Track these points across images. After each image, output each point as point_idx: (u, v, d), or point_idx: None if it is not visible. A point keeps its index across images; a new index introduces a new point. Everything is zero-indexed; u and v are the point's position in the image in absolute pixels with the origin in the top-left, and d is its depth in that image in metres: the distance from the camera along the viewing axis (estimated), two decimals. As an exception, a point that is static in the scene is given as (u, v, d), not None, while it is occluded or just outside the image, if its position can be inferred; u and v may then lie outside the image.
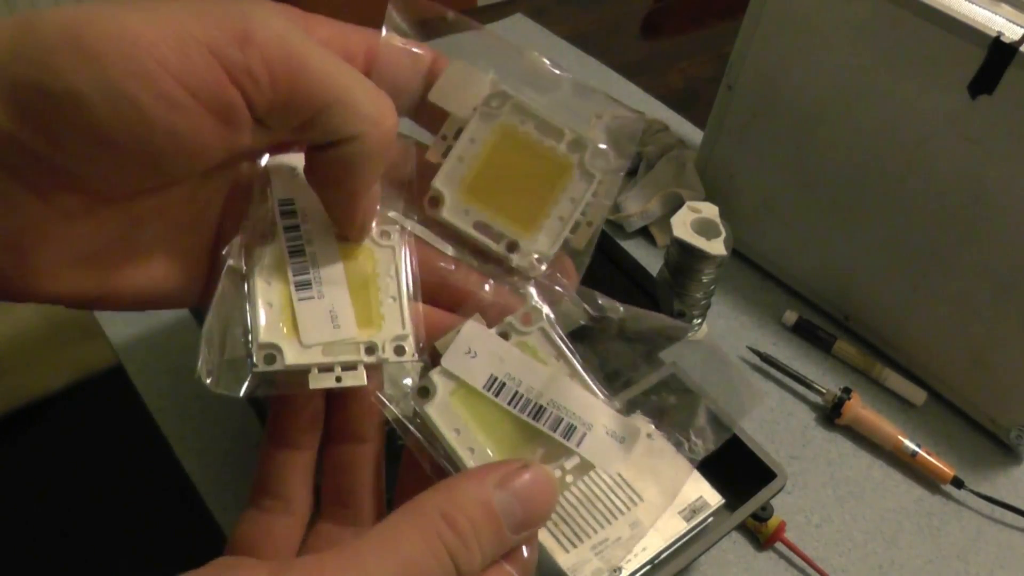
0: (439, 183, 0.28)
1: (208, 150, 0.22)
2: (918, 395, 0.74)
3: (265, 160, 0.27)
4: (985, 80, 0.60)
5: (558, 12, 1.23)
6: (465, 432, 0.27)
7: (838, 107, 0.70)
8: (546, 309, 0.28)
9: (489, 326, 0.27)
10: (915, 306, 0.73)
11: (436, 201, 0.28)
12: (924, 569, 0.64)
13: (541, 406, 0.27)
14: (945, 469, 0.68)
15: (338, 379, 0.26)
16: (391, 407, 0.27)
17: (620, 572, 0.50)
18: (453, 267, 0.28)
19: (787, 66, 0.72)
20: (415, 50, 0.27)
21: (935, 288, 0.70)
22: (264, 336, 0.25)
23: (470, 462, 0.26)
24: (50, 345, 1.35)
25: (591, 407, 0.28)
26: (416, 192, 0.28)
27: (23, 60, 0.20)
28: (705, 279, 0.69)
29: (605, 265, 0.63)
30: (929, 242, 0.69)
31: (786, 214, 0.79)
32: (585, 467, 0.27)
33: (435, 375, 0.27)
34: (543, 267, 0.28)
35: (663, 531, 0.52)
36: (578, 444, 0.27)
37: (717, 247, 0.66)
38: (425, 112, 0.28)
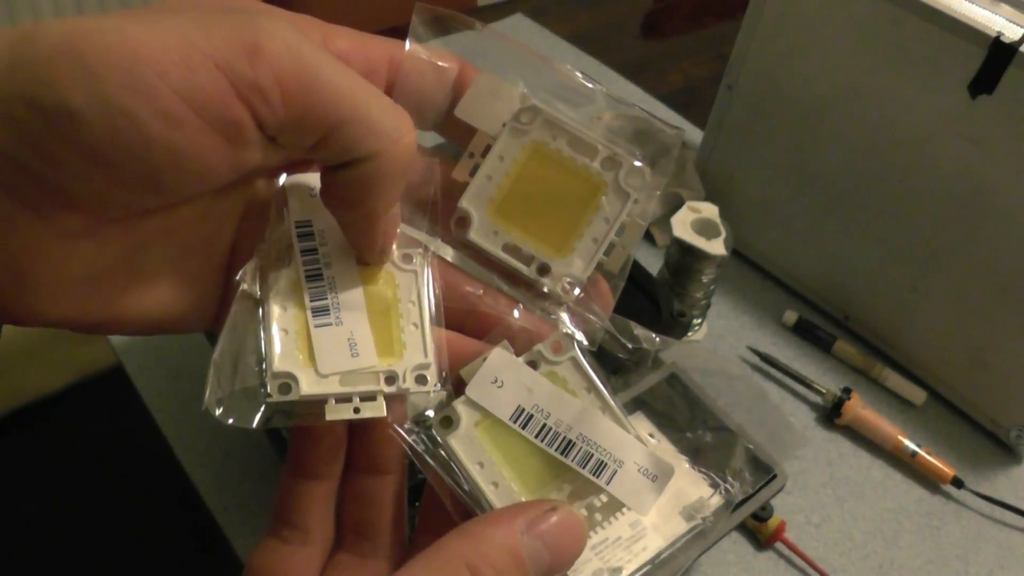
0: (466, 203, 0.26)
1: (212, 170, 0.21)
2: (918, 395, 0.74)
3: (283, 179, 0.26)
4: (985, 80, 0.60)
5: (558, 12, 1.23)
6: (489, 466, 0.26)
7: (838, 107, 0.70)
8: (579, 335, 0.27)
9: (518, 354, 0.26)
10: (915, 306, 0.73)
11: (463, 222, 0.26)
12: (924, 569, 0.64)
13: (570, 440, 0.26)
14: (945, 469, 0.68)
15: (356, 410, 0.24)
16: (409, 439, 0.26)
17: (620, 572, 0.50)
18: (481, 292, 0.27)
19: (787, 66, 0.72)
20: (440, 62, 0.26)
21: (935, 288, 0.70)
22: (279, 365, 0.24)
23: (493, 497, 0.25)
24: (50, 345, 1.35)
25: (623, 443, 0.26)
26: (441, 212, 0.26)
27: (19, 73, 0.19)
28: (705, 279, 0.69)
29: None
30: (929, 242, 0.69)
31: (786, 214, 0.79)
32: (615, 506, 0.26)
33: (459, 405, 0.26)
34: (576, 291, 0.26)
35: (663, 531, 0.52)
36: (608, 482, 0.26)
37: (717, 247, 0.66)
38: (452, 127, 0.26)
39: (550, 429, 0.26)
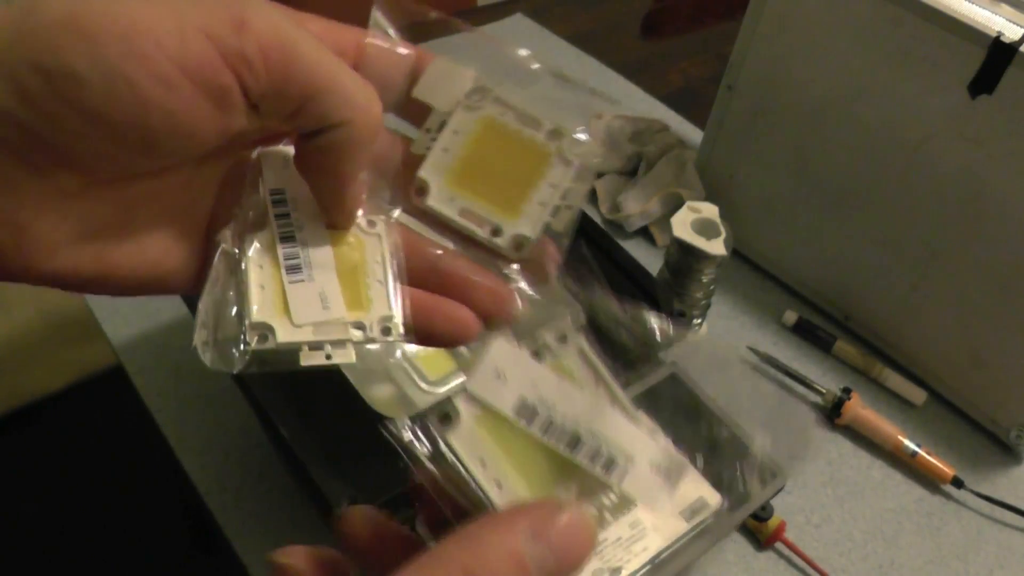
0: (425, 172, 0.28)
1: (202, 132, 0.23)
2: (918, 395, 0.74)
3: (257, 151, 0.28)
4: (985, 80, 0.60)
5: (558, 12, 1.23)
6: (492, 464, 0.25)
7: (838, 107, 0.70)
8: (582, 316, 0.28)
9: (482, 308, 0.27)
10: (915, 306, 0.73)
11: (422, 190, 0.28)
12: (924, 569, 0.64)
13: (578, 436, 0.26)
14: (945, 469, 0.68)
15: (328, 356, 0.26)
16: (404, 439, 0.25)
17: (620, 572, 0.50)
18: (440, 252, 0.29)
19: (787, 66, 0.72)
20: (399, 49, 0.28)
21: (935, 288, 0.70)
22: (257, 316, 0.26)
23: (496, 498, 0.25)
24: (50, 345, 1.35)
25: (634, 438, 0.26)
26: (402, 183, 0.29)
27: (24, 42, 0.21)
28: (705, 279, 0.69)
29: (605, 265, 0.63)
30: (929, 242, 0.69)
31: (786, 214, 0.79)
32: (626, 505, 0.26)
33: (459, 400, 0.26)
34: (526, 249, 0.28)
35: (663, 531, 0.52)
36: (620, 480, 0.25)
37: (717, 247, 0.66)
38: (410, 108, 0.29)
39: (556, 424, 0.26)
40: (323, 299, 0.27)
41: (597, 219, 0.85)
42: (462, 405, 0.26)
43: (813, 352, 0.77)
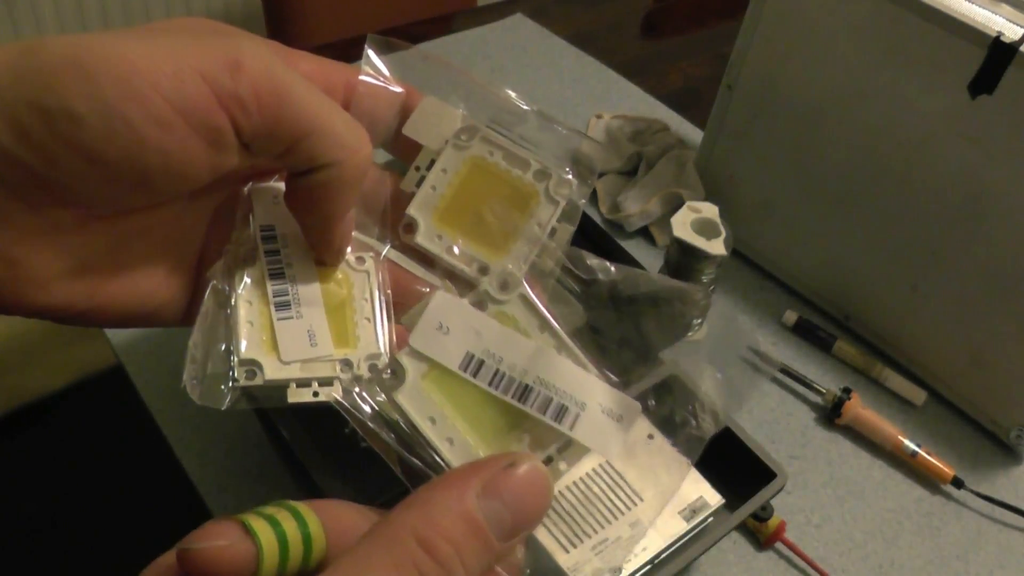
0: (413, 210, 0.29)
1: (195, 170, 0.24)
2: (918, 395, 0.74)
3: (248, 187, 0.29)
4: (985, 80, 0.60)
5: (558, 12, 1.23)
6: (442, 420, 0.25)
7: (838, 107, 0.70)
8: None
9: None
10: (915, 306, 0.73)
11: (410, 227, 0.29)
12: (924, 569, 0.64)
13: (527, 385, 0.26)
14: (945, 469, 0.68)
15: (315, 394, 0.26)
16: (348, 404, 0.26)
17: (620, 572, 0.50)
18: (428, 290, 0.29)
19: (787, 66, 0.72)
20: (390, 87, 0.29)
21: (935, 288, 0.70)
22: (246, 353, 0.26)
23: (449, 455, 0.25)
24: (50, 345, 1.35)
25: (583, 383, 0.26)
26: (391, 220, 0.29)
27: (24, 81, 0.21)
28: (705, 279, 0.69)
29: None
30: (929, 242, 0.69)
31: (786, 214, 0.79)
32: (579, 452, 0.26)
33: (403, 356, 0.26)
34: (512, 288, 0.28)
35: (663, 531, 0.52)
36: (571, 427, 0.25)
37: (717, 247, 0.66)
38: (400, 145, 0.29)
39: (504, 375, 0.26)
40: (311, 336, 0.27)
41: (597, 219, 0.86)
42: (406, 361, 0.26)
43: (813, 352, 0.77)
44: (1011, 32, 0.58)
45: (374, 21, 1.28)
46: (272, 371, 0.26)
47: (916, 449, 0.68)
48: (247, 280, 0.27)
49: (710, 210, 0.68)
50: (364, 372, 0.27)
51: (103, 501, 1.31)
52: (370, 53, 0.29)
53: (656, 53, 1.25)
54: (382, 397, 0.26)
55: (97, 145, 0.22)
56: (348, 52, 0.41)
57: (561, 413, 0.26)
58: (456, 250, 0.29)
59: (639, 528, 0.51)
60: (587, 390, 0.26)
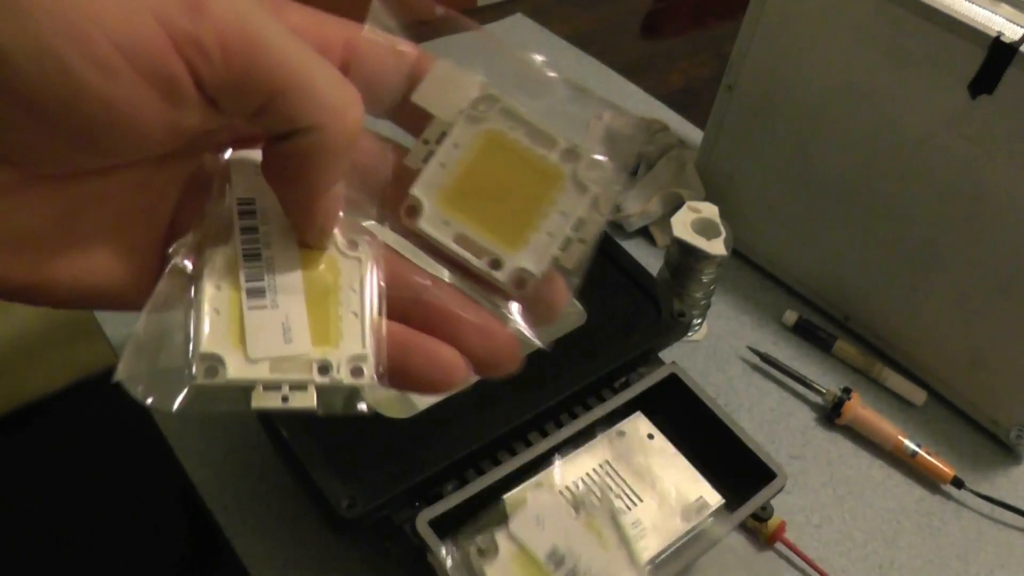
0: (418, 190, 0.25)
1: (148, 127, 0.20)
2: (918, 395, 0.74)
3: (229, 154, 0.25)
4: (985, 80, 0.60)
5: (558, 12, 1.23)
6: None
7: (838, 107, 0.70)
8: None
9: (470, 350, 0.24)
10: (915, 306, 0.73)
11: (414, 210, 0.25)
12: (924, 569, 0.64)
13: None
14: (945, 469, 0.68)
15: (285, 399, 0.23)
16: (446, 560, 0.27)
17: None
18: (429, 283, 0.25)
19: (787, 66, 0.72)
20: (399, 47, 0.25)
21: (935, 288, 0.70)
22: (207, 346, 0.22)
23: None
24: (50, 345, 1.35)
25: None
26: (392, 199, 0.25)
27: None
28: (705, 279, 0.69)
29: (605, 265, 0.63)
30: (929, 242, 0.69)
31: (786, 214, 0.79)
32: None
33: (500, 537, 0.28)
34: (528, 287, 0.25)
35: (663, 531, 0.52)
36: None
37: (717, 247, 0.66)
38: (407, 115, 0.25)
39: (578, 574, 0.28)
40: (286, 330, 0.23)
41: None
42: (502, 542, 0.28)
43: (813, 352, 0.77)
44: (1011, 32, 0.58)
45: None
46: (236, 369, 0.22)
47: (916, 449, 0.68)
48: (217, 260, 0.23)
49: (710, 210, 0.68)
50: (345, 376, 0.23)
51: (103, 501, 1.31)
52: (378, 8, 0.25)
53: (656, 53, 1.25)
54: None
55: (28, 89, 0.18)
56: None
57: None
58: (466, 239, 0.25)
59: (639, 528, 0.51)
60: None
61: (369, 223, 0.25)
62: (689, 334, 0.76)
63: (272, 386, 0.23)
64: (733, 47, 0.75)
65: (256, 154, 0.24)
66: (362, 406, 0.24)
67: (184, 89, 0.20)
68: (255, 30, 0.20)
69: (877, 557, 0.64)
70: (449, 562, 0.26)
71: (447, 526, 0.43)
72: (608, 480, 0.52)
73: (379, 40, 0.25)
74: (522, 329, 0.25)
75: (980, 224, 0.65)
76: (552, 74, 0.26)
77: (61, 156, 0.20)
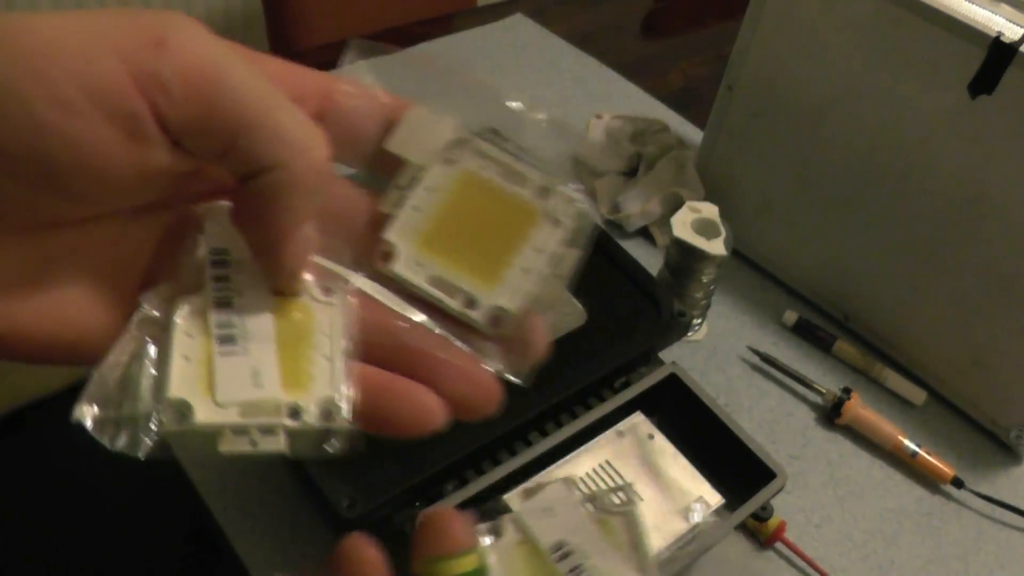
0: (392, 235, 0.25)
1: (114, 167, 0.20)
2: (918, 395, 0.74)
3: (202, 206, 0.25)
4: (985, 80, 0.60)
5: (558, 12, 1.23)
6: None
7: (838, 107, 0.70)
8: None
9: (448, 393, 0.24)
10: (915, 306, 0.73)
11: (388, 254, 0.25)
12: (924, 569, 0.64)
13: None
14: (945, 469, 0.68)
15: (253, 443, 0.23)
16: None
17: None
18: (407, 326, 0.25)
19: (787, 66, 0.72)
20: (373, 97, 0.25)
21: (935, 288, 0.70)
22: (175, 391, 0.22)
23: None
24: (50, 345, 1.35)
25: None
26: (368, 246, 0.25)
27: None
28: (705, 279, 0.69)
29: (605, 265, 0.63)
30: (929, 242, 0.69)
31: (786, 214, 0.79)
32: None
33: (507, 520, 0.28)
34: (505, 325, 0.25)
35: (663, 531, 0.52)
36: None
37: (717, 247, 0.66)
38: (384, 162, 0.25)
39: (582, 571, 0.27)
40: (256, 375, 0.23)
41: (597, 219, 0.85)
42: (508, 527, 0.28)
43: (813, 352, 0.77)
44: (1011, 32, 0.58)
45: (374, 21, 1.28)
46: (204, 414, 0.22)
47: (916, 449, 0.68)
48: (188, 309, 0.23)
49: (710, 210, 0.68)
50: (314, 418, 0.23)
51: (103, 502, 1.31)
52: (351, 58, 0.25)
53: (656, 53, 1.25)
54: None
55: None
56: (348, 52, 0.41)
57: None
58: (441, 280, 0.25)
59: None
60: None
61: (345, 271, 0.25)
62: (689, 334, 0.76)
63: (241, 431, 0.23)
64: (733, 47, 0.75)
65: (230, 204, 0.24)
66: (330, 448, 0.24)
67: (147, 127, 0.20)
68: (218, 68, 0.20)
69: (877, 557, 0.64)
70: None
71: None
72: (608, 480, 0.52)
73: (354, 90, 0.25)
74: (501, 369, 0.25)
75: (980, 224, 0.65)
76: (526, 111, 0.26)
77: (29, 202, 0.20)
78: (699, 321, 0.75)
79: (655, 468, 0.54)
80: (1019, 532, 0.67)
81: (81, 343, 0.23)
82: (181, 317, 0.23)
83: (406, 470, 0.48)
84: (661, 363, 0.61)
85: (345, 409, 0.23)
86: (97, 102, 0.19)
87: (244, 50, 0.23)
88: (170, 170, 0.21)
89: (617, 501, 0.29)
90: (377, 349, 0.25)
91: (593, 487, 0.51)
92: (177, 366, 0.23)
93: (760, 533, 0.62)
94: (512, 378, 0.25)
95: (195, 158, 0.21)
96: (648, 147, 0.89)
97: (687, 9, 1.42)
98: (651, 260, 0.81)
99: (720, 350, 0.76)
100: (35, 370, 1.35)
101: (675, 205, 0.76)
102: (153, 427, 0.22)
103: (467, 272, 0.25)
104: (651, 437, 0.57)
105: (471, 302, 0.25)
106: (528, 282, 0.25)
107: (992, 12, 0.60)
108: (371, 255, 0.25)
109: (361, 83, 0.25)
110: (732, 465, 0.56)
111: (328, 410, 0.23)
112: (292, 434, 0.23)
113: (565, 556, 0.27)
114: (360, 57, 0.26)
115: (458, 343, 0.25)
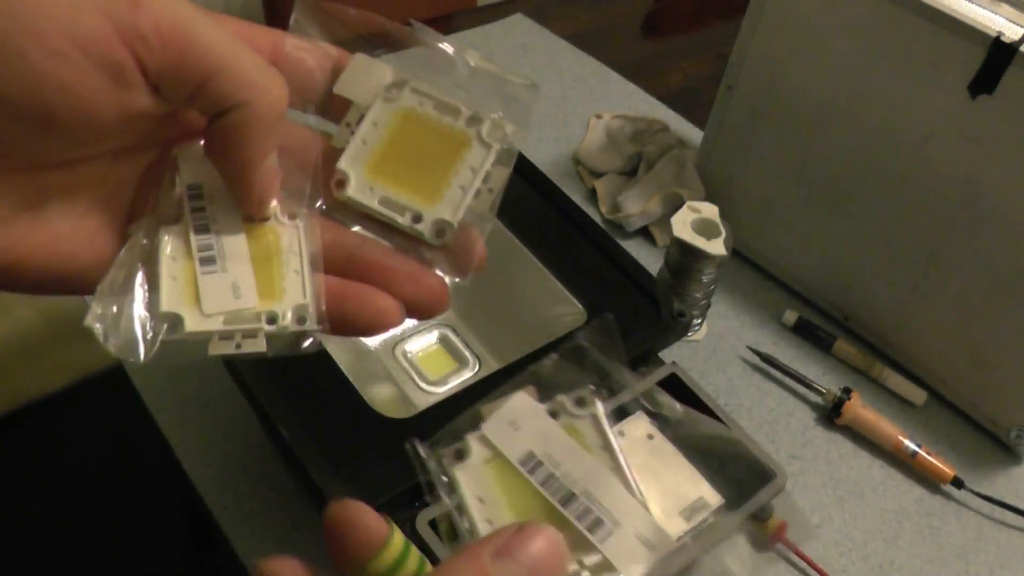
0: (344, 164, 0.29)
1: (102, 109, 0.23)
2: (918, 395, 0.74)
3: (176, 148, 0.28)
4: (985, 80, 0.60)
5: (558, 12, 1.23)
6: (490, 503, 0.27)
7: (838, 107, 0.70)
8: (600, 407, 0.29)
9: (402, 295, 0.27)
10: (915, 306, 0.73)
11: (342, 182, 0.29)
12: (924, 569, 0.64)
13: (573, 493, 0.27)
14: (945, 469, 0.68)
15: (238, 345, 0.26)
16: (426, 460, 0.27)
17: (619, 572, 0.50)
18: (361, 242, 0.29)
19: (787, 66, 0.72)
20: (319, 49, 0.29)
21: (935, 288, 0.70)
22: (166, 305, 0.26)
23: (484, 534, 0.26)
24: (50, 345, 1.35)
25: (625, 506, 0.27)
26: (323, 178, 0.29)
27: None
28: (705, 279, 0.69)
29: (605, 265, 0.63)
30: (929, 242, 0.69)
31: (786, 214, 0.79)
32: (605, 567, 0.27)
33: (472, 439, 0.28)
34: (448, 235, 0.29)
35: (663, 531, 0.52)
36: (602, 541, 0.27)
37: (717, 247, 0.66)
38: (332, 107, 0.29)
39: (557, 479, 0.27)
40: (235, 289, 0.27)
41: (597, 219, 0.85)
42: (475, 445, 0.28)
43: (813, 352, 0.77)
44: (1011, 32, 0.58)
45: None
46: (193, 323, 0.26)
47: (916, 449, 0.68)
48: (171, 236, 0.27)
49: (710, 210, 0.68)
50: (290, 324, 0.27)
51: (103, 501, 1.31)
52: (299, 17, 0.29)
53: (656, 53, 1.25)
54: (447, 466, 0.28)
55: None
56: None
57: (596, 526, 0.27)
58: (389, 201, 0.29)
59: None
60: (626, 512, 0.27)
61: (302, 195, 0.29)
62: (689, 334, 0.76)
63: (226, 336, 0.26)
64: (733, 47, 0.75)
65: (200, 144, 0.28)
66: (306, 344, 0.27)
67: (130, 74, 0.23)
68: (187, 22, 0.23)
69: (877, 557, 0.64)
70: (436, 471, 0.27)
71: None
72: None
73: (302, 43, 0.29)
74: (447, 272, 0.29)
75: (980, 224, 0.65)
76: (451, 51, 0.30)
77: (29, 143, 0.23)
78: (699, 321, 0.75)
79: (655, 468, 0.54)
80: (1019, 532, 0.67)
81: (75, 273, 0.26)
82: (166, 243, 0.27)
83: (406, 470, 0.48)
84: (661, 363, 0.61)
85: (314, 313, 0.27)
86: (86, 52, 0.22)
87: (206, 10, 0.25)
88: (150, 113, 0.24)
89: (571, 407, 0.28)
90: (337, 263, 0.28)
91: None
92: (167, 285, 0.26)
93: (760, 533, 0.62)
94: (456, 279, 0.29)
95: (170, 102, 0.24)
96: (648, 147, 0.89)
97: (687, 9, 1.42)
98: (651, 260, 0.81)
99: (720, 350, 0.76)
100: (35, 370, 1.35)
101: (675, 205, 0.76)
102: (149, 336, 0.26)
103: (412, 192, 0.29)
104: (651, 437, 0.57)
105: (417, 217, 0.28)
106: (466, 197, 0.29)
107: (992, 12, 0.60)
108: (327, 186, 0.29)
109: (307, 38, 0.29)
110: (732, 465, 0.56)
111: (301, 316, 0.27)
112: (270, 337, 0.27)
113: (537, 467, 0.27)
114: (307, 14, 0.29)
115: (408, 253, 0.29)
